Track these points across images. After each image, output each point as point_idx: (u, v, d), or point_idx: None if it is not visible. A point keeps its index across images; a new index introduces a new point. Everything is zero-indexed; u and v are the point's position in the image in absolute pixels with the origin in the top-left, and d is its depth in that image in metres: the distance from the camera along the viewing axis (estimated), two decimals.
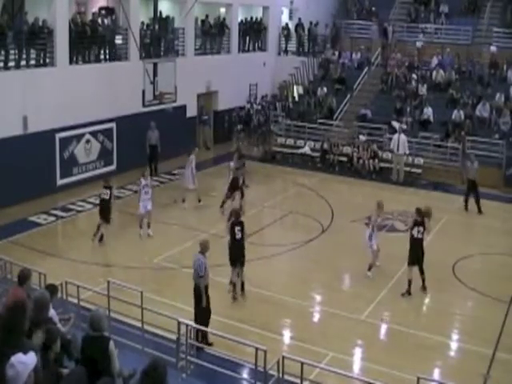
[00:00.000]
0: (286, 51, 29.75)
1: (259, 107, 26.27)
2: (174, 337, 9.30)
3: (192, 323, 9.41)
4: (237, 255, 12.12)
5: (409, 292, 12.63)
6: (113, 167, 20.65)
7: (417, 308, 12.67)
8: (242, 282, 12.39)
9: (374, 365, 10.09)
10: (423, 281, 12.86)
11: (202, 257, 10.48)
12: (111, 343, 6.37)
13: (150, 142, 20.94)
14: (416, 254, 12.70)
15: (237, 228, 12.09)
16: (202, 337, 10.14)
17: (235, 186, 17.36)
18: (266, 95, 27.47)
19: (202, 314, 10.44)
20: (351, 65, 28.11)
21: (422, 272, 12.81)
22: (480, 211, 17.88)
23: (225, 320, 11.12)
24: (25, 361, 5.11)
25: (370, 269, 13.50)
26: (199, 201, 17.97)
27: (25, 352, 5.18)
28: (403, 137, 21.34)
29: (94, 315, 6.52)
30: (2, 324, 5.72)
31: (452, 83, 24.92)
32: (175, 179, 20.78)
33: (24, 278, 7.72)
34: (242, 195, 17.55)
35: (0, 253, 12.17)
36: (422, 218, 12.74)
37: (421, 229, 12.67)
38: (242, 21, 27.63)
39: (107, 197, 14.78)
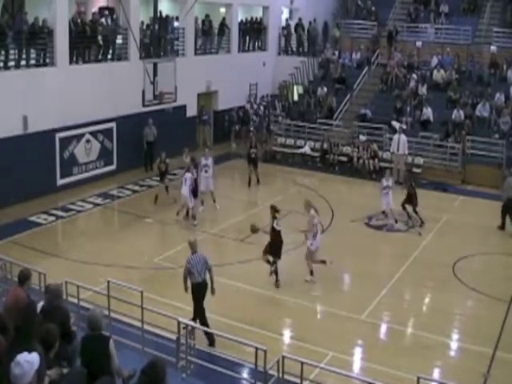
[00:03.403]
0: (286, 51, 29.74)
1: (259, 107, 26.24)
2: (174, 337, 9.29)
3: (192, 323, 9.39)
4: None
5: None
6: (113, 167, 20.66)
7: (417, 308, 12.66)
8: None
9: (374, 365, 10.08)
10: None
11: (197, 255, 10.49)
12: (111, 342, 6.39)
13: (147, 139, 21.03)
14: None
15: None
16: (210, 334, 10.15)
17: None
18: (266, 95, 27.45)
19: (203, 312, 10.48)
20: (351, 64, 28.13)
21: None
22: None
23: (225, 320, 11.11)
24: (31, 360, 5.12)
25: None
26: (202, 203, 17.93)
27: (29, 351, 5.20)
28: (403, 137, 21.31)
29: (91, 315, 6.57)
30: (16, 326, 5.79)
31: (452, 83, 24.92)
32: (175, 179, 20.76)
33: (24, 277, 7.75)
34: None
35: (0, 253, 12.16)
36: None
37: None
38: (241, 21, 27.62)
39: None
